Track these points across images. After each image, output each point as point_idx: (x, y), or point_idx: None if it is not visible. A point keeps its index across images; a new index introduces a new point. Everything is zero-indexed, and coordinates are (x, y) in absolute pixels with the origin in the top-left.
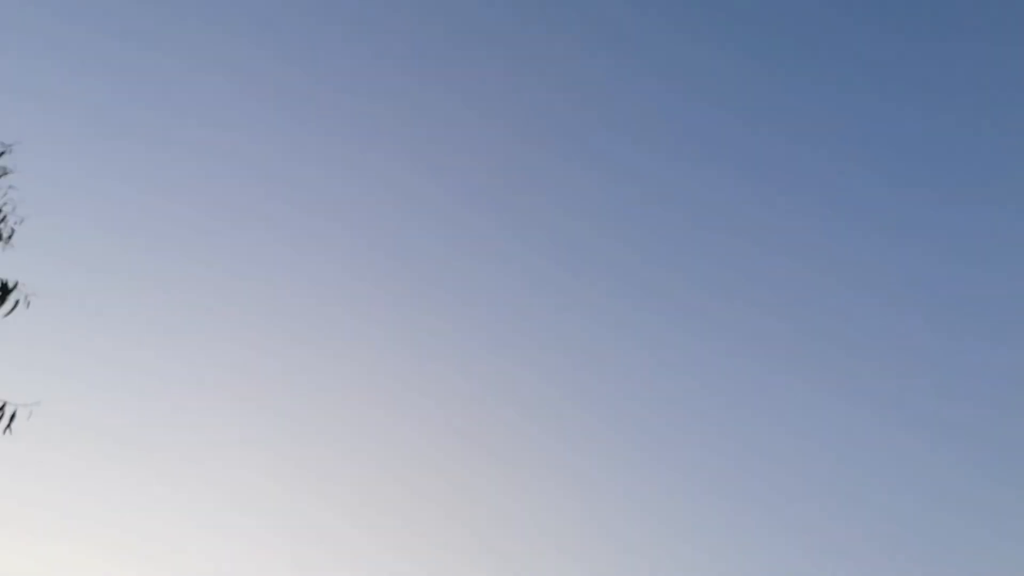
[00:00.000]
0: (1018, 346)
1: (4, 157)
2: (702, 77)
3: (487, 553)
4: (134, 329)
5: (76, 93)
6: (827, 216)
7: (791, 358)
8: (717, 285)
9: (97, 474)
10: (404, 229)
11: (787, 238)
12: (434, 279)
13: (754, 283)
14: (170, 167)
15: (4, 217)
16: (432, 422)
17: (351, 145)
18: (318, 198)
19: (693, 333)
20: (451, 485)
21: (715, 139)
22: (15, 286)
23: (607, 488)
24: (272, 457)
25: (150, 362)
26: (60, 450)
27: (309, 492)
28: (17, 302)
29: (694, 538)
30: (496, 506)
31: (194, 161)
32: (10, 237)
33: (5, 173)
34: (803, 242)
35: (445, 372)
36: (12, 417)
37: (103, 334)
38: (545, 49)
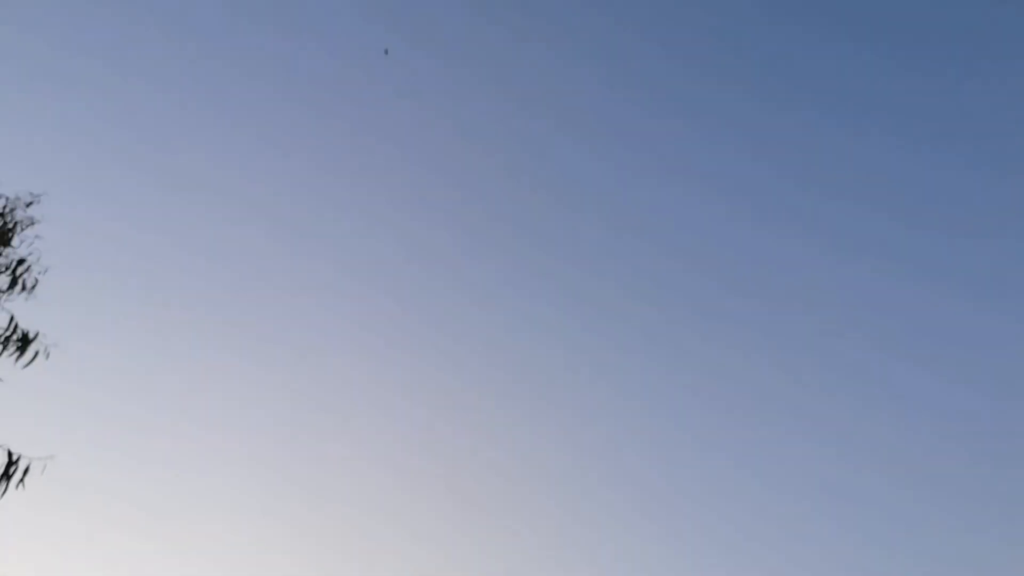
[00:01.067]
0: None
1: (31, 207)
2: (727, 126)
3: (487, 553)
4: (150, 382)
5: (102, 143)
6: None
7: (791, 359)
8: (718, 285)
9: (107, 529)
10: (411, 232)
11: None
12: (434, 280)
13: (755, 283)
14: (194, 218)
15: (28, 267)
16: (433, 422)
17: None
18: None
19: (695, 332)
20: (452, 485)
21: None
22: (36, 337)
23: (608, 488)
24: (281, 514)
25: (164, 415)
26: (70, 505)
27: (322, 546)
28: (37, 353)
29: (694, 538)
30: (497, 506)
31: (216, 210)
32: (33, 287)
33: (32, 223)
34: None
35: (445, 373)
36: (26, 471)
37: (119, 386)
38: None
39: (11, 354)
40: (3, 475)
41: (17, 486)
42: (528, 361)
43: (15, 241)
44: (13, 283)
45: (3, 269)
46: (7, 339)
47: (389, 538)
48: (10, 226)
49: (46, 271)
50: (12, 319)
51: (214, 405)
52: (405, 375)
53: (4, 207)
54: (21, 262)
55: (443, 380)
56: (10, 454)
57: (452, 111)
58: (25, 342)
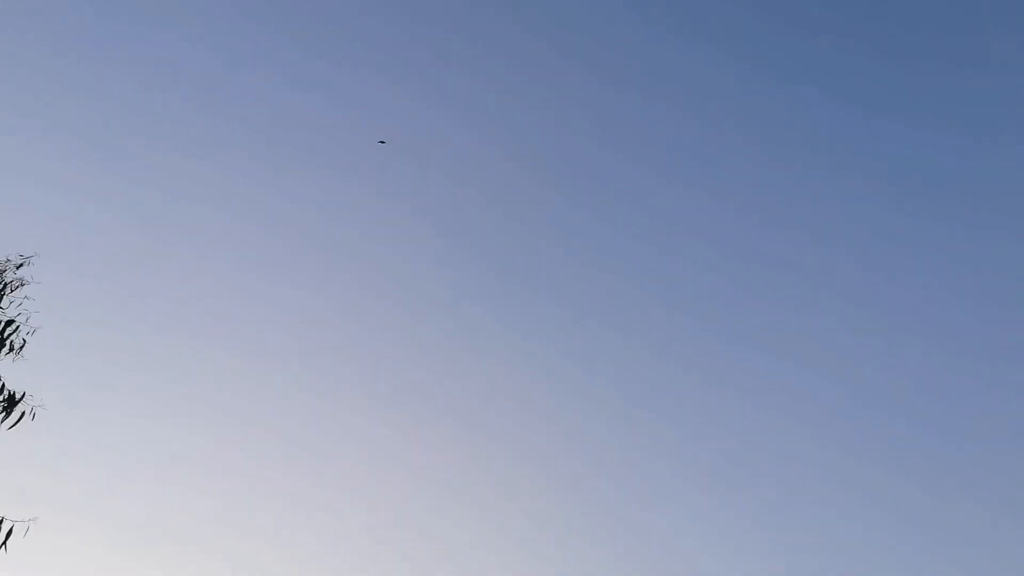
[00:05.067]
0: None
1: (22, 269)
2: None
3: (488, 553)
4: (135, 438)
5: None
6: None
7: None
8: (717, 286)
9: None
10: (411, 233)
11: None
12: (433, 282)
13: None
14: (178, 269)
15: (17, 328)
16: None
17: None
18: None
19: (700, 331)
20: (456, 486)
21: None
22: (22, 397)
23: (609, 489)
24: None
25: (150, 472)
26: (53, 568)
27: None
28: (23, 414)
29: (697, 538)
30: (499, 507)
31: (200, 256)
32: (21, 348)
33: (22, 284)
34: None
35: (448, 375)
36: (8, 534)
37: (103, 445)
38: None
39: None
40: None
41: (0, 548)
42: (529, 362)
43: (4, 302)
44: (1, 344)
45: None
46: None
47: (390, 538)
48: (0, 287)
49: (34, 332)
50: None
51: (201, 467)
52: (406, 376)
53: None
54: (10, 323)
55: (444, 381)
56: None
57: (460, 115)
58: (11, 403)
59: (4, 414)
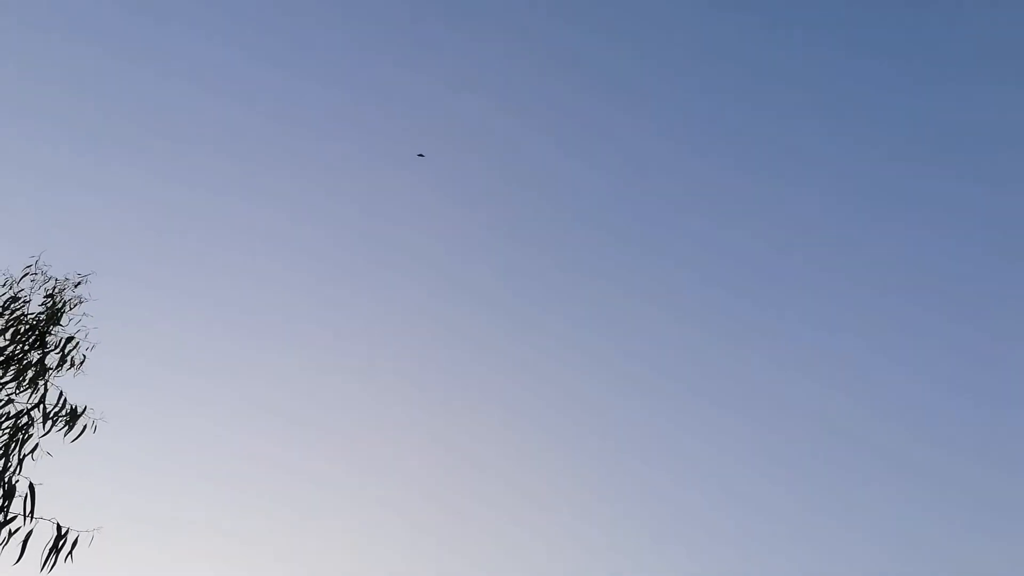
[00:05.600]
0: None
1: (80, 287)
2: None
3: (490, 554)
4: (194, 445)
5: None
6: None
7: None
8: (717, 287)
9: None
10: (411, 232)
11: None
12: (433, 283)
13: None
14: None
15: (77, 344)
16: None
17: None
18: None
19: (699, 330)
20: (458, 487)
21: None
22: (84, 411)
23: (609, 489)
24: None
25: (208, 484)
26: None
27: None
28: (84, 427)
29: (698, 539)
30: (500, 508)
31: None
32: (81, 363)
33: (80, 302)
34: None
35: (448, 376)
36: (74, 544)
37: (166, 456)
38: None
39: (60, 429)
40: (52, 548)
41: (66, 559)
42: (531, 362)
43: (64, 320)
44: (63, 361)
45: (53, 348)
46: (56, 415)
47: (390, 539)
48: (59, 306)
49: (93, 347)
50: (61, 394)
51: (262, 471)
52: (407, 376)
53: (54, 288)
54: (70, 340)
55: (444, 380)
56: (59, 527)
57: (467, 121)
58: (74, 417)
59: (67, 428)
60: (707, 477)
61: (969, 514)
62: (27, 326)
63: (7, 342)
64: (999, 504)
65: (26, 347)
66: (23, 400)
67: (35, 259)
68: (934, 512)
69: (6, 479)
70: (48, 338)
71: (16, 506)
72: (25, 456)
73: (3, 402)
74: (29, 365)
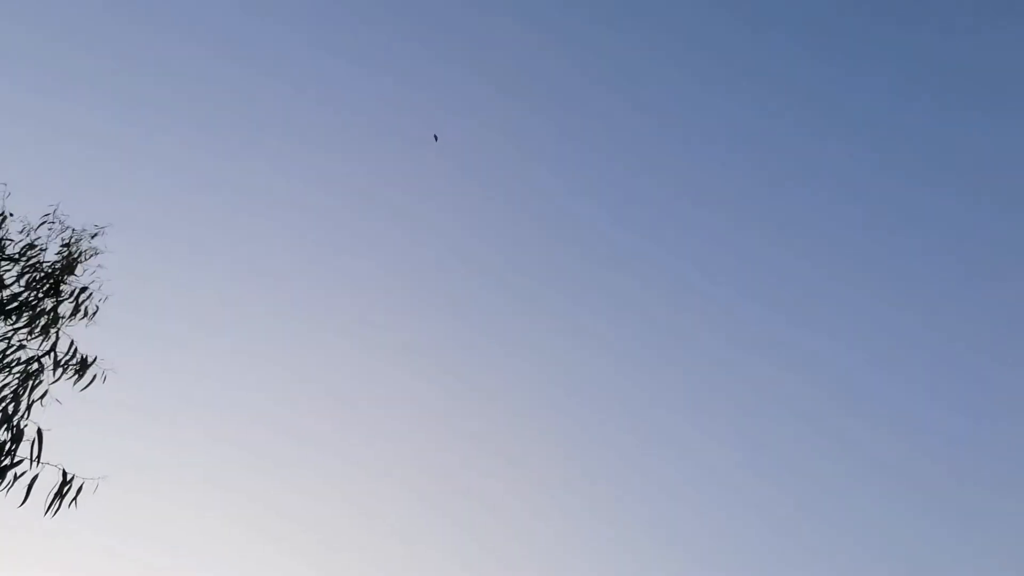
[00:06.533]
0: None
1: (96, 239)
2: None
3: (493, 555)
4: (201, 398)
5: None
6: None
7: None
8: (718, 286)
9: (157, 551)
10: (410, 233)
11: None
12: (433, 284)
13: (756, 280)
14: (246, 240)
15: (90, 294)
16: (439, 425)
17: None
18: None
19: (701, 330)
20: (458, 487)
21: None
22: (94, 361)
23: (610, 489)
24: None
25: (217, 436)
26: (124, 526)
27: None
28: (94, 377)
29: (698, 539)
30: (502, 507)
31: (269, 235)
32: (94, 314)
33: (96, 253)
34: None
35: (449, 375)
36: (79, 490)
37: (174, 409)
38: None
39: (69, 377)
40: (57, 494)
41: (70, 505)
42: (533, 363)
43: (79, 270)
44: (76, 310)
45: (67, 296)
46: (67, 363)
47: (392, 539)
48: (75, 256)
49: (106, 299)
50: (72, 343)
51: (264, 426)
52: (410, 377)
53: (71, 238)
54: (84, 290)
55: (445, 381)
56: (64, 474)
57: (482, 115)
58: (84, 366)
59: (77, 377)
60: (707, 477)
61: (970, 517)
62: (42, 274)
63: (22, 288)
64: (999, 511)
65: (40, 294)
66: (35, 347)
67: (53, 208)
68: (934, 515)
69: (15, 423)
70: (62, 287)
71: (23, 450)
72: (34, 402)
73: (15, 347)
74: (42, 312)
